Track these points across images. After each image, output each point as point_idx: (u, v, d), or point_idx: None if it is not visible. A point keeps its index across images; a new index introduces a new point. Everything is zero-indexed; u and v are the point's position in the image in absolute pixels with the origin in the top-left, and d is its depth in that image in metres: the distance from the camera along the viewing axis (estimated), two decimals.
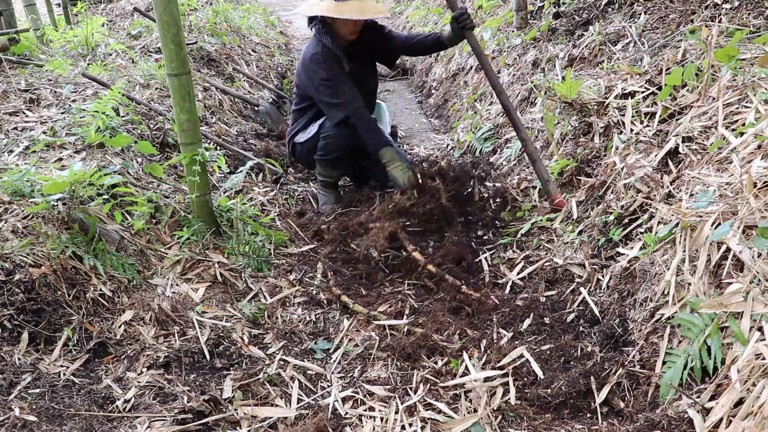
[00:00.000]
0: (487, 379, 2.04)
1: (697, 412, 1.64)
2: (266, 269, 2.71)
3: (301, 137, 3.45)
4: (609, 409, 1.89)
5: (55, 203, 2.32)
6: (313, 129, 3.37)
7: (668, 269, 1.99)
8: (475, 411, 1.92)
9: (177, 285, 2.46)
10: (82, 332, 2.07)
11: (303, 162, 3.62)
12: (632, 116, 2.71)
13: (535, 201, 3.10)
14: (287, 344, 2.27)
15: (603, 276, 2.38)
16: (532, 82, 3.80)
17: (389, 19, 8.68)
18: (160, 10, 2.39)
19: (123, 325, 2.17)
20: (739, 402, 1.54)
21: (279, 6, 11.90)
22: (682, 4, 3.33)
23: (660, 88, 2.69)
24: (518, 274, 2.64)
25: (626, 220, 2.39)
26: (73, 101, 3.46)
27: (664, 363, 1.85)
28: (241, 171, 3.00)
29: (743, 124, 2.20)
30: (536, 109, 3.67)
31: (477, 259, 2.82)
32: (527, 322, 2.31)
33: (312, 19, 3.25)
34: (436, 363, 2.15)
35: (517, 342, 2.22)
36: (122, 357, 2.05)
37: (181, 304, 2.34)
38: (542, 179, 2.88)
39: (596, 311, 2.27)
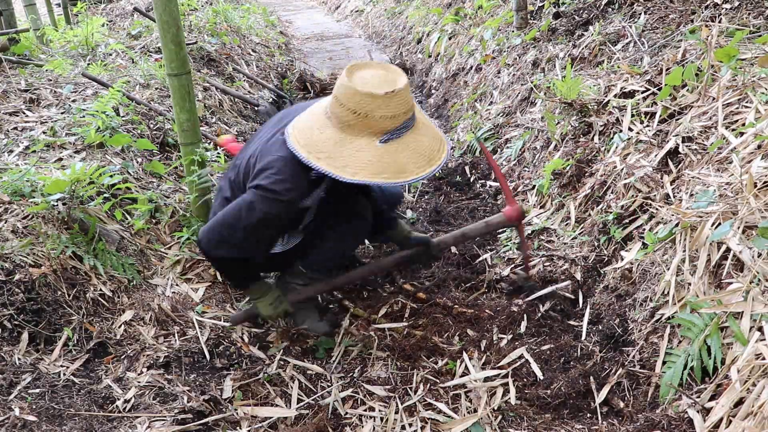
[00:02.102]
0: (487, 379, 2.04)
1: (697, 412, 1.64)
2: None
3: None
4: (609, 409, 1.89)
5: (55, 203, 2.32)
6: (290, 238, 2.26)
7: (668, 269, 1.99)
8: (475, 411, 1.92)
9: (177, 285, 2.46)
10: (82, 332, 2.07)
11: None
12: (632, 116, 2.71)
13: (534, 202, 3.10)
14: (289, 345, 2.27)
15: (603, 276, 2.38)
16: (532, 82, 3.80)
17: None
18: (160, 10, 2.39)
19: (123, 325, 2.17)
20: (739, 402, 1.54)
21: (279, 6, 11.91)
22: (682, 4, 3.33)
23: (660, 88, 2.69)
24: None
25: (626, 220, 2.39)
26: (73, 101, 3.45)
27: (664, 363, 1.85)
28: None
29: (743, 124, 2.20)
30: (536, 109, 3.67)
31: (478, 260, 2.82)
32: (524, 324, 2.31)
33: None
34: (436, 363, 2.15)
35: (517, 343, 2.22)
36: (122, 357, 2.05)
37: (181, 304, 2.34)
38: (485, 231, 2.53)
39: (596, 311, 2.28)
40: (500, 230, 2.86)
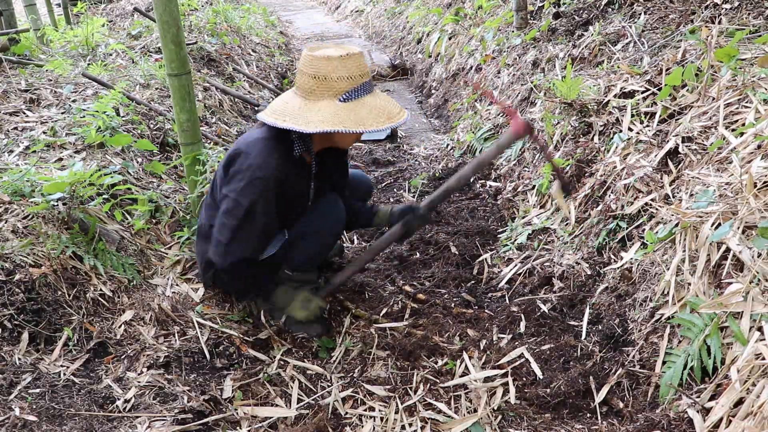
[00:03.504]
0: (486, 379, 2.04)
1: (697, 412, 1.64)
2: None
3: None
4: (609, 409, 1.89)
5: (55, 203, 2.32)
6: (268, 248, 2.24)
7: (668, 269, 1.99)
8: (475, 411, 1.92)
9: (177, 285, 2.46)
10: (82, 332, 2.07)
11: (239, 292, 2.41)
12: (632, 116, 2.71)
13: (533, 202, 3.10)
14: (291, 347, 2.27)
15: (603, 276, 2.38)
16: (532, 82, 3.80)
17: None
18: (160, 10, 2.39)
19: (123, 325, 2.17)
20: (739, 402, 1.54)
21: (279, 6, 11.92)
22: (682, 4, 3.33)
23: (660, 88, 2.69)
24: (517, 274, 2.65)
25: (626, 220, 2.39)
26: (73, 101, 3.46)
27: (664, 363, 1.85)
28: None
29: (743, 124, 2.21)
30: (536, 109, 3.67)
31: (478, 260, 2.82)
32: (523, 324, 2.31)
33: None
34: (436, 363, 2.15)
35: (516, 342, 2.22)
36: (122, 357, 2.05)
37: (181, 304, 2.34)
38: (497, 152, 2.31)
39: (596, 311, 2.28)
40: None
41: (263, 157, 2.04)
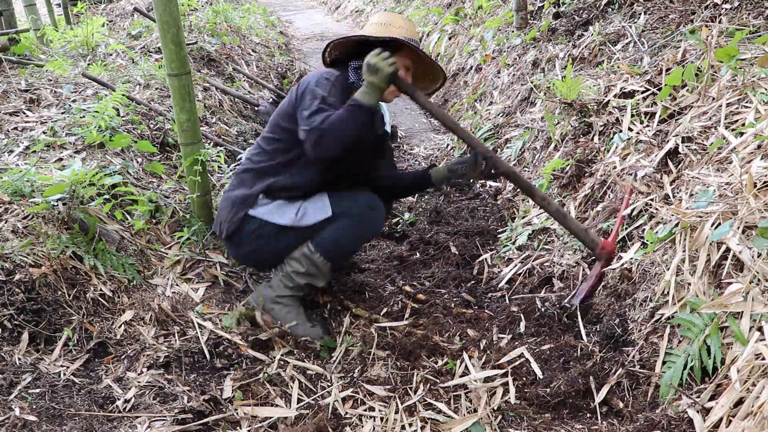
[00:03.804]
0: (486, 379, 2.04)
1: (697, 412, 1.64)
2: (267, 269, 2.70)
3: (274, 215, 2.24)
4: (609, 409, 1.89)
5: (55, 203, 2.32)
6: (308, 211, 2.23)
7: (668, 269, 1.99)
8: (475, 411, 1.92)
9: (177, 285, 2.46)
10: (82, 332, 2.07)
11: (255, 259, 2.39)
12: (632, 116, 2.71)
13: (533, 202, 3.10)
14: (293, 349, 2.26)
15: (603, 276, 2.38)
16: (532, 82, 3.80)
17: None
18: (160, 10, 2.39)
19: (123, 325, 2.17)
20: (739, 402, 1.54)
21: (279, 6, 11.91)
22: (682, 4, 3.33)
23: (660, 88, 2.69)
24: (517, 274, 2.65)
25: (626, 220, 2.39)
26: (73, 101, 3.45)
27: (663, 363, 1.85)
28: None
29: (743, 124, 2.20)
30: (536, 109, 3.67)
31: (478, 260, 2.82)
32: (523, 324, 2.31)
33: (343, 61, 2.32)
34: (436, 363, 2.15)
35: (516, 342, 2.22)
36: (122, 357, 2.05)
37: (181, 304, 2.34)
38: (579, 233, 2.31)
39: (596, 311, 2.27)
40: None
41: (325, 72, 2.27)
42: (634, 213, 2.37)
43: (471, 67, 5.15)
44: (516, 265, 2.70)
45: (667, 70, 2.76)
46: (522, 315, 2.37)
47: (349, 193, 2.30)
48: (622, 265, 2.23)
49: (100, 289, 2.22)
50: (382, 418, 1.91)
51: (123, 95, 3.13)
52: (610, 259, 2.27)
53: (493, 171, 2.31)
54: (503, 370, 2.06)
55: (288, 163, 2.26)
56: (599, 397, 1.90)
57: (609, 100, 2.87)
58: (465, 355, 2.15)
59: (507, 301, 2.52)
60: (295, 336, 2.28)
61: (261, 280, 2.65)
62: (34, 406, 1.75)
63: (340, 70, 2.30)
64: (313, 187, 2.26)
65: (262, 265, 2.43)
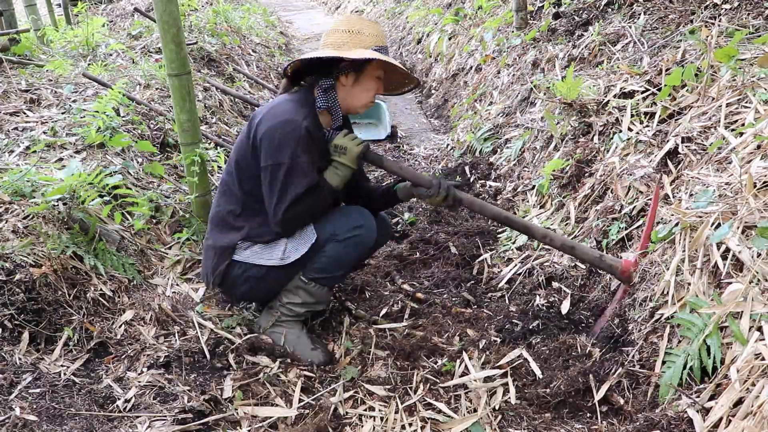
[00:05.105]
0: (486, 379, 2.04)
1: (697, 411, 1.64)
2: None
3: (259, 258, 2.16)
4: (608, 409, 1.89)
5: (56, 203, 2.32)
6: (292, 248, 2.14)
7: (668, 269, 1.99)
8: (475, 411, 1.92)
9: (177, 285, 2.46)
10: (82, 332, 2.07)
11: (251, 298, 2.31)
12: (632, 116, 2.71)
13: (533, 202, 3.10)
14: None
15: (602, 276, 2.38)
16: (531, 83, 3.80)
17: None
18: (160, 11, 2.39)
19: (123, 325, 2.17)
20: (739, 402, 1.55)
21: (279, 6, 11.92)
22: (682, 4, 3.33)
23: (660, 89, 2.69)
24: (517, 274, 2.65)
25: (626, 220, 2.39)
26: (74, 101, 3.46)
27: (663, 363, 1.85)
28: None
29: (743, 124, 2.21)
30: (536, 109, 3.67)
31: (478, 260, 2.82)
32: (523, 324, 2.31)
33: (312, 75, 2.17)
34: (435, 363, 2.15)
35: (516, 342, 2.22)
36: (122, 357, 2.05)
37: (181, 304, 2.34)
38: (594, 262, 2.20)
39: (596, 311, 2.28)
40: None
41: (289, 114, 2.05)
42: (634, 213, 2.37)
43: (471, 67, 5.15)
44: (516, 265, 2.70)
45: (666, 70, 2.76)
46: (522, 315, 2.37)
47: (333, 216, 2.17)
48: None
49: (101, 289, 2.22)
50: (382, 418, 1.92)
51: (120, 93, 3.12)
52: (632, 276, 2.14)
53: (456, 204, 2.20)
54: (503, 370, 2.07)
55: (260, 209, 2.13)
56: (599, 397, 1.90)
57: (609, 100, 2.87)
58: (465, 355, 2.15)
59: (507, 301, 2.52)
60: (295, 359, 2.20)
61: None
62: (35, 406, 1.76)
63: (304, 94, 2.13)
64: None
65: (261, 301, 2.31)
